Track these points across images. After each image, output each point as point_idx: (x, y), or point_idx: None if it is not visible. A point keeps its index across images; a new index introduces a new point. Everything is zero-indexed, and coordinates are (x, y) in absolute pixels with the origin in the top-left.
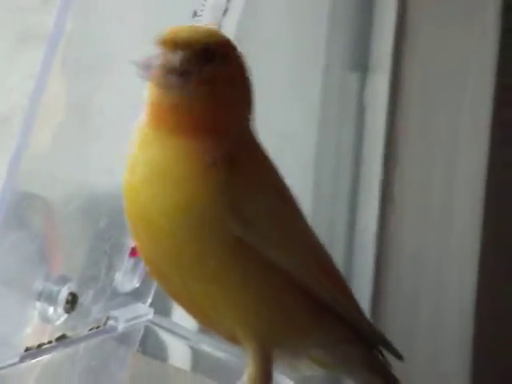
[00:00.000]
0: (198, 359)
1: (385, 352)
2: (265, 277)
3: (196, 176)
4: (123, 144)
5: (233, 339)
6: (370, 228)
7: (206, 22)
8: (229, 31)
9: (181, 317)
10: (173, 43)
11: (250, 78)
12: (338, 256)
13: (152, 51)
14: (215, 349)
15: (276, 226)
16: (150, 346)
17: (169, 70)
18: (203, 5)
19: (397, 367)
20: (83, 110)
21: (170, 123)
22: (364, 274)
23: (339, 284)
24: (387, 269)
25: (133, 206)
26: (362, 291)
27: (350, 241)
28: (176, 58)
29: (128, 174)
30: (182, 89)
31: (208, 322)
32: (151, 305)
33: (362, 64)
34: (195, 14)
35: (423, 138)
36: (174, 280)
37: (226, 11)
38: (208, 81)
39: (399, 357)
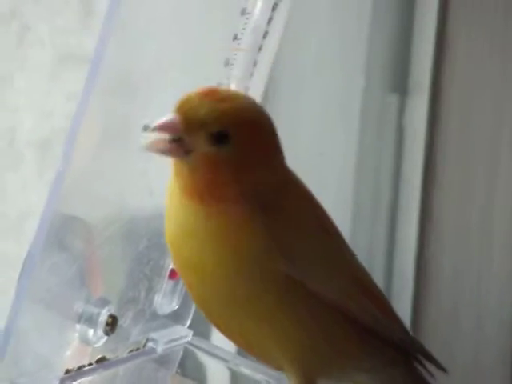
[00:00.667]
0: (237, 381)
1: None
2: (313, 310)
3: (240, 225)
4: (163, 165)
5: (278, 368)
6: (409, 247)
7: (246, 45)
8: (269, 54)
9: (220, 339)
10: (187, 120)
11: (272, 128)
12: (377, 274)
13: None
14: (254, 371)
15: (320, 258)
16: (189, 367)
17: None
18: (243, 28)
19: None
20: (123, 131)
21: (188, 191)
22: (404, 293)
23: (383, 307)
24: (427, 288)
25: (179, 253)
26: (403, 309)
27: (390, 259)
28: (185, 137)
29: (168, 218)
30: (183, 159)
31: (254, 353)
32: (190, 327)
33: (401, 86)
34: (235, 38)
35: (462, 158)
36: (225, 318)
37: (266, 34)
38: (210, 159)
39: (443, 369)
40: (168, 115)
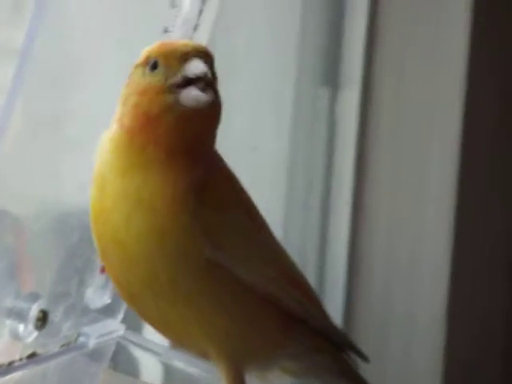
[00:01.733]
0: (170, 375)
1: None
2: (237, 296)
3: (170, 200)
4: (94, 159)
5: (205, 356)
6: (341, 240)
7: (176, 37)
8: None
9: (152, 332)
10: (204, 54)
11: None
12: (310, 265)
13: (191, 63)
14: (187, 364)
15: (246, 245)
16: (121, 362)
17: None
18: (174, 20)
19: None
20: (54, 123)
21: (167, 143)
22: (336, 283)
23: (308, 294)
24: (359, 277)
25: (103, 228)
26: (335, 300)
27: (323, 250)
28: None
29: (97, 193)
30: (208, 99)
31: (179, 342)
32: (122, 321)
33: (332, 79)
34: (166, 30)
35: (394, 150)
36: (146, 302)
37: (196, 26)
38: (216, 98)
39: (365, 359)
40: (193, 61)
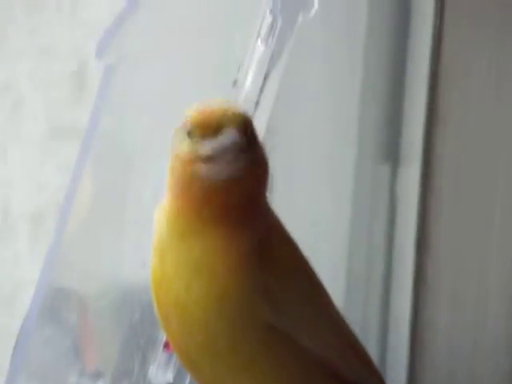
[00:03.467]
0: None
1: None
2: (296, 361)
3: (231, 266)
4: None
5: None
6: (404, 312)
7: None
8: (260, 124)
9: None
10: (234, 123)
11: None
12: (372, 340)
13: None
14: None
15: (308, 312)
16: None
17: (235, 151)
18: (235, 100)
19: None
20: (117, 203)
21: (211, 212)
22: (399, 358)
23: (365, 360)
24: (422, 352)
25: (165, 296)
26: (398, 374)
27: (384, 326)
28: (241, 138)
29: (158, 261)
30: (238, 169)
31: None
32: None
33: (393, 155)
34: None
35: (455, 225)
36: (205, 369)
37: (257, 105)
38: (256, 161)
39: None
40: (226, 134)
